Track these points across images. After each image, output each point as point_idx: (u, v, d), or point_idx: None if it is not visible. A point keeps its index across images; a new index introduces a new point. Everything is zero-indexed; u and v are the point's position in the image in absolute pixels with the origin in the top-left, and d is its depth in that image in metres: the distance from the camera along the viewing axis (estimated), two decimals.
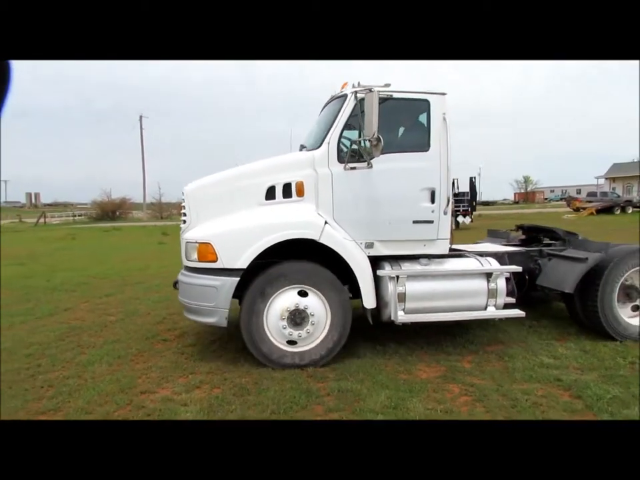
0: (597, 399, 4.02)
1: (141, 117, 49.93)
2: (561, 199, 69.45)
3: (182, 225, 5.21)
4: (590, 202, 39.82)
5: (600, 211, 36.52)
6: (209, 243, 4.75)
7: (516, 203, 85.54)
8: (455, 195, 26.26)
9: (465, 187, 26.78)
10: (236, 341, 5.49)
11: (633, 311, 5.77)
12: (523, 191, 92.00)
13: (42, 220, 41.56)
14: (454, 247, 6.11)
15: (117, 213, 46.15)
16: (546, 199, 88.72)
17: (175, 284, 5.36)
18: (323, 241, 4.88)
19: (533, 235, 7.31)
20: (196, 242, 4.84)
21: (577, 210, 38.35)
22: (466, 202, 25.99)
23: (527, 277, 6.12)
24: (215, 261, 4.74)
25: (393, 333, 5.93)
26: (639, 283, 5.77)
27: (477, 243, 7.43)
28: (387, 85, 5.06)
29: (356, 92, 4.94)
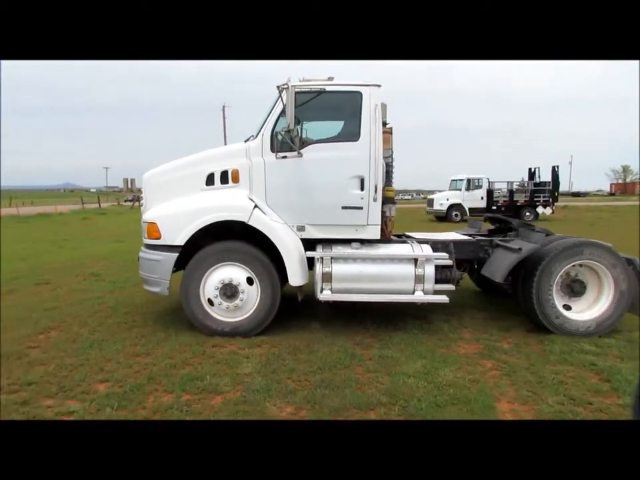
0: (625, 383, 4.18)
1: (224, 107, 52.23)
2: None
3: (142, 208, 5.99)
4: None
5: None
6: (155, 223, 5.50)
7: (612, 194, 79.16)
8: (535, 184, 25.30)
9: (547, 176, 25.74)
10: (292, 310, 6.22)
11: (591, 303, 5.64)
12: (621, 181, 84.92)
13: (136, 203, 45.36)
14: (408, 233, 6.45)
15: None
16: None
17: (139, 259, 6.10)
18: (252, 223, 5.37)
19: (500, 225, 7.31)
20: (146, 222, 5.60)
21: None
22: (547, 192, 24.94)
23: (476, 265, 6.22)
24: (159, 238, 5.47)
25: (440, 313, 6.36)
26: (583, 277, 5.64)
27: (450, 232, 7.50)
28: (331, 79, 5.41)
29: (279, 87, 5.22)
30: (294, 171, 5.45)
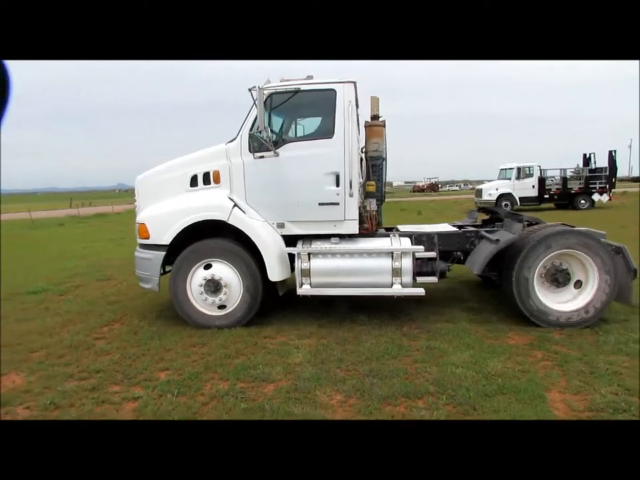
0: None
1: None
2: None
3: (136, 209, 6.25)
4: None
5: None
6: (144, 223, 5.82)
7: None
8: (591, 170, 24.21)
9: (603, 162, 24.53)
10: (340, 305, 6.34)
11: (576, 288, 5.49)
12: None
13: None
14: (400, 226, 6.42)
15: None
16: None
17: None
18: (231, 221, 5.53)
19: (491, 216, 7.19)
20: (138, 222, 5.92)
21: None
22: (603, 178, 23.77)
23: (461, 257, 6.08)
24: (148, 238, 5.79)
25: (489, 304, 6.30)
26: (568, 266, 5.46)
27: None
28: (310, 77, 5.46)
29: (250, 89, 5.26)
30: (271, 169, 5.60)
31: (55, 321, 6.32)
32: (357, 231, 5.69)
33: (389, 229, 6.37)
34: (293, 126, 6.27)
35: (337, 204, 5.55)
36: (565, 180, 24.61)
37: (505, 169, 26.09)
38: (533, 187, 24.54)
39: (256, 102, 5.24)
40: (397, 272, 5.49)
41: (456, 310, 6.20)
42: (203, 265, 5.70)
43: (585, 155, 25.30)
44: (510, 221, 6.15)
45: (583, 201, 23.97)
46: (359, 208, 5.78)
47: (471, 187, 79.35)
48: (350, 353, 4.79)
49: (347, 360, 4.59)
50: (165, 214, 5.77)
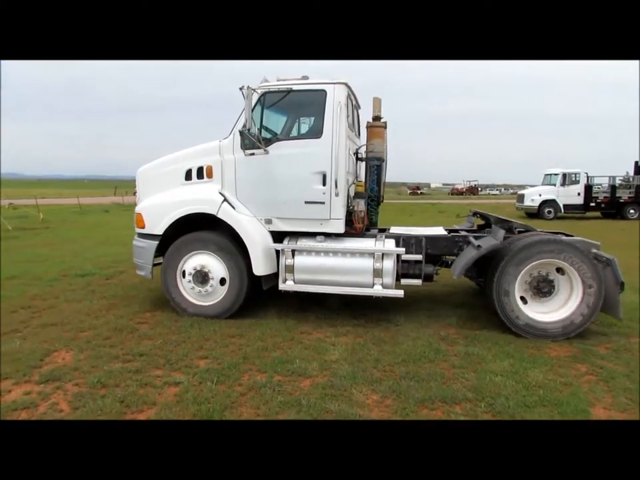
0: None
1: None
2: None
3: (136, 200, 6.48)
4: None
5: None
6: (140, 213, 6.12)
7: None
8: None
9: None
10: (376, 303, 6.32)
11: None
12: None
13: None
14: (394, 227, 6.40)
15: None
16: None
17: None
18: (220, 215, 5.67)
19: (486, 221, 7.05)
20: (136, 212, 6.22)
21: None
22: None
23: (449, 262, 5.96)
24: (144, 227, 6.08)
25: None
26: (553, 275, 5.32)
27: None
28: (305, 77, 5.46)
29: (241, 88, 5.27)
30: (261, 167, 5.71)
31: (101, 304, 6.58)
32: (342, 230, 5.75)
33: (383, 230, 6.36)
34: (290, 125, 6.37)
35: (323, 203, 5.62)
36: (613, 188, 23.65)
37: (550, 175, 25.30)
38: (579, 194, 23.70)
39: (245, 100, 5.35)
40: (378, 273, 5.52)
41: (495, 317, 6.06)
42: (199, 255, 5.92)
43: (636, 163, 24.24)
44: (496, 227, 6.08)
45: (632, 211, 23.00)
46: (349, 208, 5.85)
47: (511, 191, 77.39)
48: (386, 353, 4.78)
49: (384, 360, 4.59)
50: (159, 205, 6.05)
